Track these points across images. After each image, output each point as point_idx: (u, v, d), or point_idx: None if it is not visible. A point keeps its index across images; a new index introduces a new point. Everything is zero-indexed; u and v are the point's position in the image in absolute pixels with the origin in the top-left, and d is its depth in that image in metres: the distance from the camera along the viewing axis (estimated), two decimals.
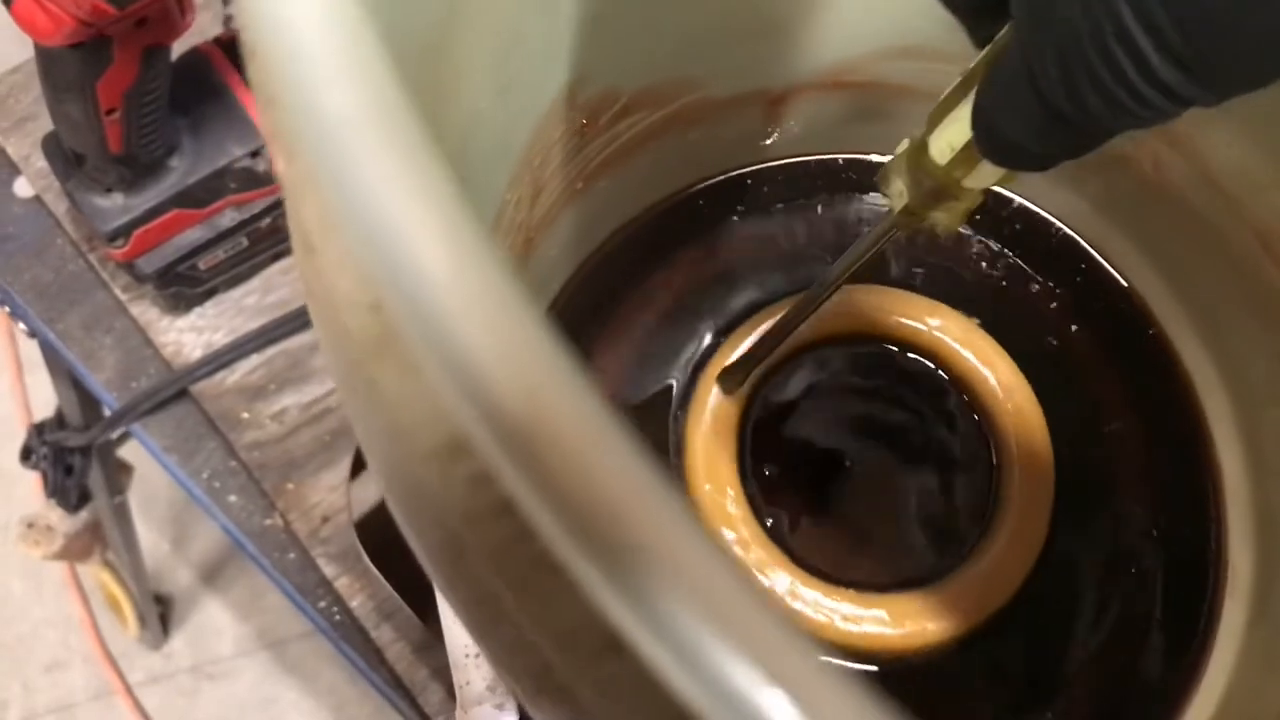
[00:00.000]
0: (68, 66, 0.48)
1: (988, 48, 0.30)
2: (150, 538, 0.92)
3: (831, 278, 0.42)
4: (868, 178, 0.53)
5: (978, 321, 0.49)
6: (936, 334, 0.48)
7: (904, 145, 0.35)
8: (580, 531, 0.14)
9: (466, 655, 0.40)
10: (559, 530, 0.14)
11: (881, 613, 0.44)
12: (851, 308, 0.49)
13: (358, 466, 0.57)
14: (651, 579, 0.14)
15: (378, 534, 0.57)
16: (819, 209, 0.53)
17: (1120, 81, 0.22)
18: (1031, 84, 0.25)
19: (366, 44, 0.15)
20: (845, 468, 0.48)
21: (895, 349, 0.49)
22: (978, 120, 0.29)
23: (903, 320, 0.49)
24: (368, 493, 0.58)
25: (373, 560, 0.56)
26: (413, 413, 0.19)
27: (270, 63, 0.15)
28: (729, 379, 0.46)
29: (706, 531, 0.14)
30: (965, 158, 0.32)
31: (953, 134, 0.32)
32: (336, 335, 0.21)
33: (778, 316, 0.46)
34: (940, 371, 0.49)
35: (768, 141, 0.52)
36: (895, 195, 0.36)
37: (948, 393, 0.48)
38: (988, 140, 0.29)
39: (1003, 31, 0.30)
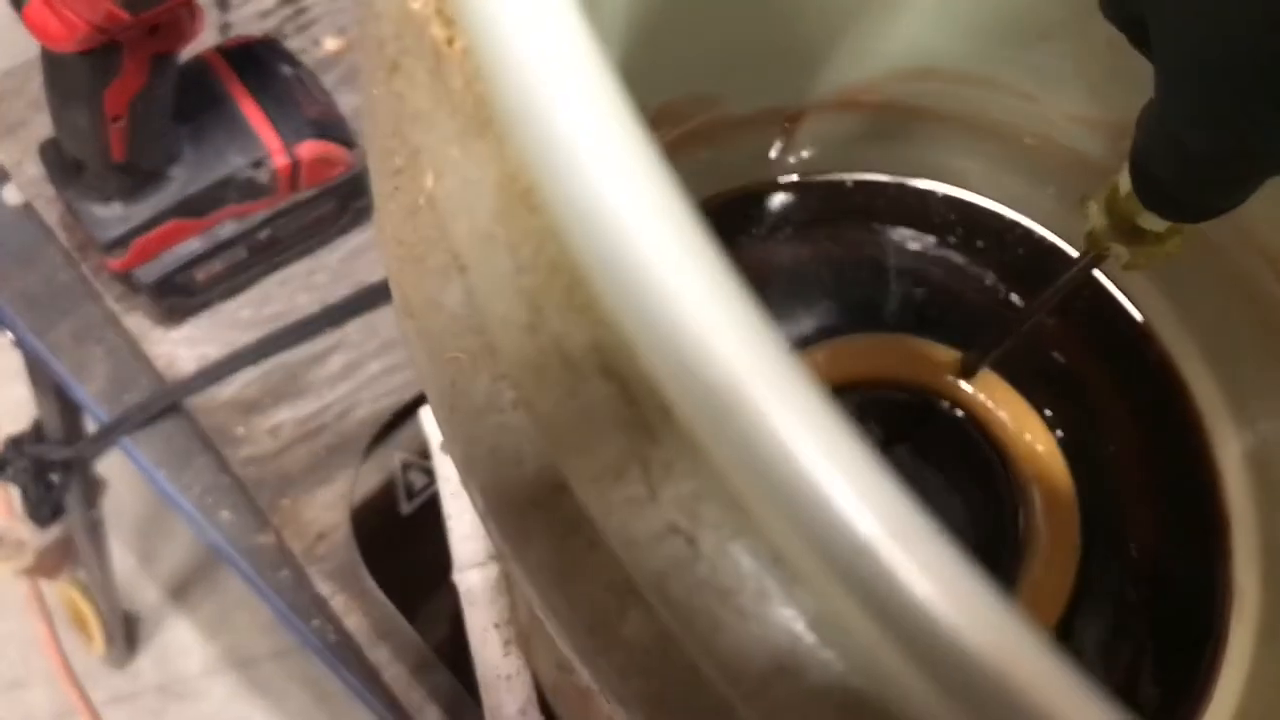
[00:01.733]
0: (76, 73, 0.47)
1: None
2: (117, 553, 0.90)
3: (1045, 298, 0.43)
4: (878, 201, 0.53)
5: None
6: (955, 383, 0.48)
7: (1099, 197, 0.36)
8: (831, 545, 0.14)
9: (498, 677, 0.40)
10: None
11: None
12: (863, 356, 0.49)
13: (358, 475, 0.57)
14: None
15: (376, 548, 0.56)
16: (828, 232, 0.53)
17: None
18: (1174, 144, 0.25)
19: (597, 58, 0.14)
20: None
21: (912, 396, 0.49)
22: (1132, 163, 0.29)
23: (918, 369, 0.49)
24: (365, 503, 0.58)
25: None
26: (576, 435, 0.18)
27: (490, 85, 0.15)
28: (968, 365, 0.47)
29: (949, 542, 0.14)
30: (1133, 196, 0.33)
31: None
32: (465, 353, 0.21)
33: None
34: (960, 414, 0.49)
35: (779, 163, 0.52)
36: (1090, 215, 0.36)
37: (968, 437, 0.48)
38: (1138, 182, 0.30)
39: None
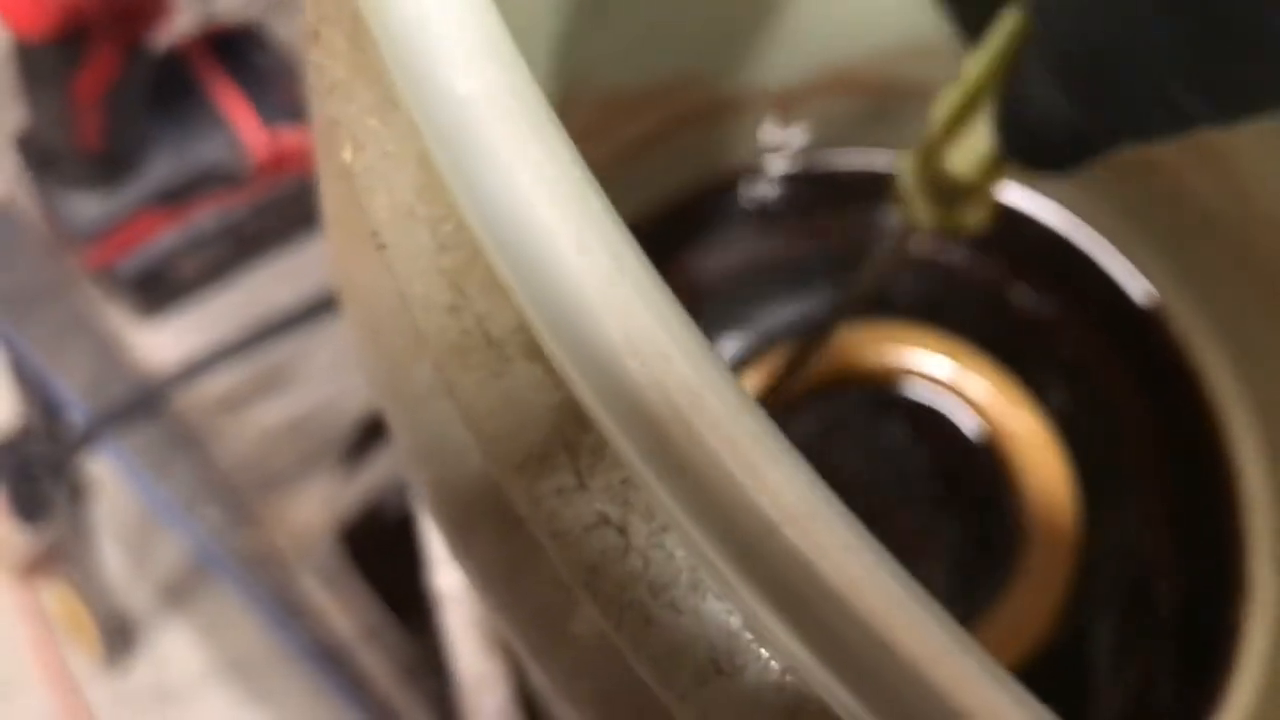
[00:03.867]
0: (47, 62, 0.46)
1: (994, 43, 0.29)
2: (113, 553, 0.89)
3: (843, 304, 0.41)
4: (874, 185, 0.51)
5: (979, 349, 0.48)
6: (942, 373, 0.47)
7: (909, 157, 0.34)
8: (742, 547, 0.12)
9: (476, 676, 0.38)
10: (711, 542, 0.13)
11: None
12: (850, 348, 0.48)
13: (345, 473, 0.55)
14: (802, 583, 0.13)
15: (365, 547, 0.55)
16: (823, 217, 0.51)
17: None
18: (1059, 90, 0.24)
19: (496, 25, 0.13)
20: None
21: (899, 389, 0.48)
22: (1001, 104, 0.28)
23: (904, 360, 0.47)
24: (353, 502, 0.57)
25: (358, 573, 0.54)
26: (499, 421, 0.17)
27: (385, 50, 0.14)
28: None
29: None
30: (989, 160, 0.31)
31: (976, 139, 0.31)
32: (404, 338, 0.19)
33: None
34: (948, 410, 0.47)
35: (772, 146, 0.51)
36: (902, 167, 0.34)
37: (958, 432, 0.47)
38: (1002, 125, 0.28)
39: (1004, 28, 0.29)
